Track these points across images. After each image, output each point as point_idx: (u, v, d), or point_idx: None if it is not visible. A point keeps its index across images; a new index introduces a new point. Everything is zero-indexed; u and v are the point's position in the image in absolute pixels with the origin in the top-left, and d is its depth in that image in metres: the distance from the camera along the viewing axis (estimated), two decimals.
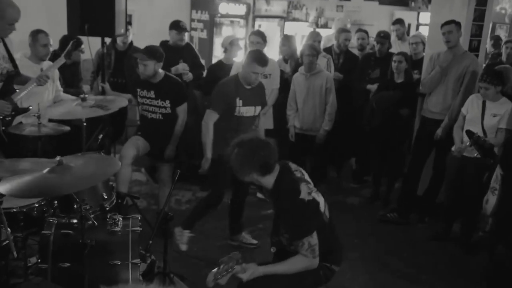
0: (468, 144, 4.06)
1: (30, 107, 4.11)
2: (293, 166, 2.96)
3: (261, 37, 5.43)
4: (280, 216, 2.86)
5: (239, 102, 4.27)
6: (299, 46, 7.02)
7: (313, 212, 2.80)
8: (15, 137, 4.08)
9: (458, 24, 5.02)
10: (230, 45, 5.63)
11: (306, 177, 2.96)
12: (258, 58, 4.25)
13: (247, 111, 4.33)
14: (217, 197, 4.38)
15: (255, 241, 4.64)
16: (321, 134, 5.58)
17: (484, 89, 4.44)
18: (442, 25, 5.02)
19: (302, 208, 2.74)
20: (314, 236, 2.73)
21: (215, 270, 2.63)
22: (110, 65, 5.57)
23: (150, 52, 4.48)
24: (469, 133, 3.84)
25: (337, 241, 3.06)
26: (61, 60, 4.43)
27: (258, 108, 4.46)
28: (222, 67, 5.62)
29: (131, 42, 5.76)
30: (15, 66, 4.14)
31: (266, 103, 4.86)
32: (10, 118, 3.93)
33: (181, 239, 4.38)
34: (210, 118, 4.28)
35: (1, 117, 3.85)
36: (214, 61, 6.73)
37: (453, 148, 4.60)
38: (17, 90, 4.03)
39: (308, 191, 2.80)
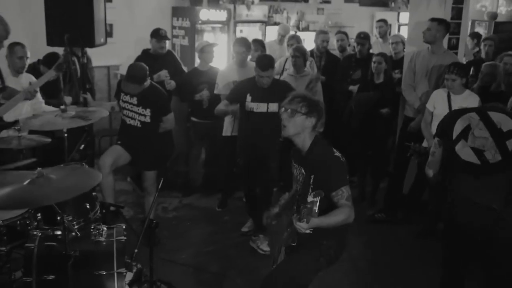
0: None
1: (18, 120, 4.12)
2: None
3: (245, 46, 5.29)
4: (316, 172, 2.95)
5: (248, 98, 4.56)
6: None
7: (346, 169, 3.02)
8: None
9: (440, 23, 5.08)
10: (200, 52, 5.64)
11: None
12: (258, 62, 4.55)
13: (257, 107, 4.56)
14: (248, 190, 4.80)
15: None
16: None
17: (451, 80, 4.55)
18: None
19: (339, 162, 3.00)
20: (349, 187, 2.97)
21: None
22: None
23: (135, 79, 4.44)
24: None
25: None
26: (51, 73, 4.42)
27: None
28: (197, 74, 5.63)
29: None
30: (2, 80, 4.13)
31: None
32: None
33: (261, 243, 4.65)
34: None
35: None
36: None
37: (423, 144, 4.63)
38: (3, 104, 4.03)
39: (340, 154, 3.05)
